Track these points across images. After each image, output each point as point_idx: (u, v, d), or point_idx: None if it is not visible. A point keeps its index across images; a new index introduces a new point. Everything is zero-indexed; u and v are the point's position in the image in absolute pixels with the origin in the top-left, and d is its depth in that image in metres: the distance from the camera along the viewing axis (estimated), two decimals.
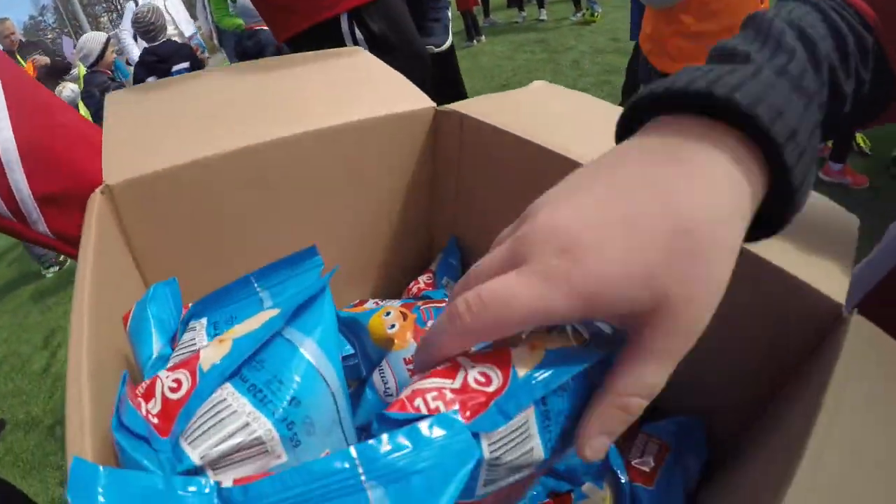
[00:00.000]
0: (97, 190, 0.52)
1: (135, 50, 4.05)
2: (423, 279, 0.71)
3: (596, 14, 7.19)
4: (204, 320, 0.40)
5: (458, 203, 0.74)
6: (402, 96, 0.70)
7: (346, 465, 0.22)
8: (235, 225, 0.61)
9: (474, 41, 7.06)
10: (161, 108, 0.68)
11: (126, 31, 4.38)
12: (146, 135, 0.62)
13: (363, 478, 0.22)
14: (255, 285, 0.42)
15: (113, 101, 0.69)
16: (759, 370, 0.47)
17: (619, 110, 0.70)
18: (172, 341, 0.41)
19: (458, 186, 0.72)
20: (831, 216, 0.51)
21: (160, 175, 0.54)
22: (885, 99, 0.53)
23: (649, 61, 1.73)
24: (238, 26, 3.63)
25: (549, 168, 0.58)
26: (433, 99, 0.70)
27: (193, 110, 0.67)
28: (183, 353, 0.37)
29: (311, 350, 0.32)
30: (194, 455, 0.28)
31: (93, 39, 3.44)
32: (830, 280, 0.42)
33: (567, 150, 0.56)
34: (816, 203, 0.54)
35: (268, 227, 0.63)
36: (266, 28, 3.42)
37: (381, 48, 1.40)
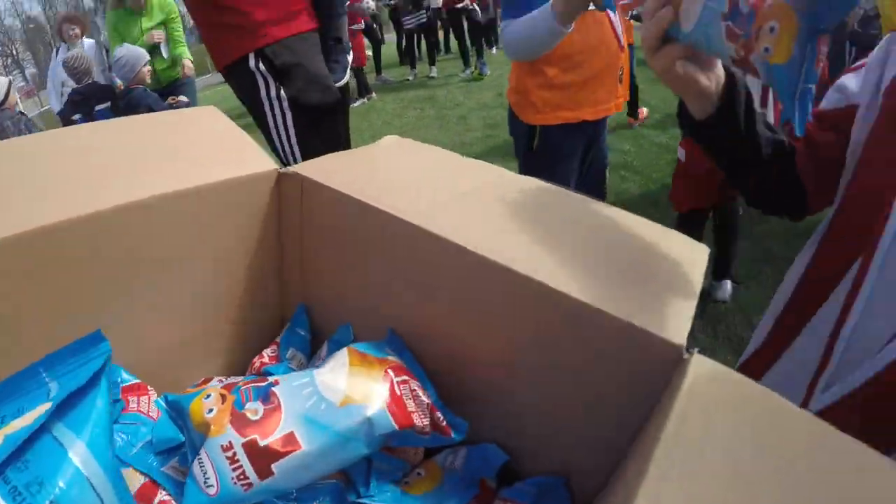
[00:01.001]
0: None
1: (53, 94, 4.34)
2: (267, 353, 0.67)
3: (484, 74, 7.56)
4: None
5: (304, 270, 0.70)
6: (245, 159, 0.65)
7: None
8: (59, 300, 0.53)
9: (364, 99, 7.16)
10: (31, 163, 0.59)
11: (50, 79, 4.56)
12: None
13: None
14: (44, 375, 0.38)
15: None
16: (613, 423, 0.47)
17: (472, 162, 0.72)
18: None
19: (303, 253, 0.69)
20: (680, 252, 0.53)
21: None
22: (786, 199, 0.69)
23: (515, 114, 1.79)
24: None
25: (392, 232, 0.56)
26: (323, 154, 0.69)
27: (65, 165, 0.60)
28: None
29: (80, 453, 0.29)
30: None
31: None
32: (670, 323, 0.43)
33: (408, 212, 0.55)
34: (665, 239, 0.56)
35: (93, 305, 0.54)
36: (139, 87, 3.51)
37: (284, 79, 1.60)
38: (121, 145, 0.65)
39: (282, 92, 1.62)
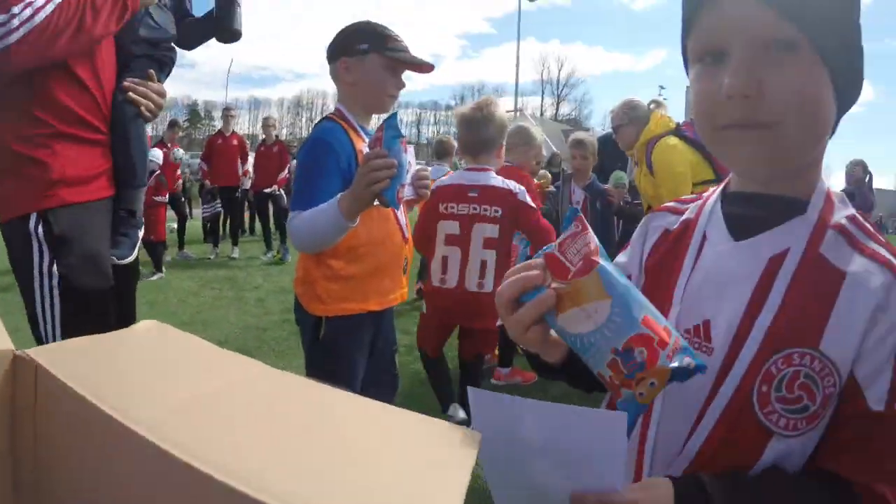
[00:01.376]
0: None
1: None
2: None
3: (285, 260, 7.64)
4: None
5: (37, 469, 0.58)
6: None
7: None
8: None
9: (161, 274, 6.81)
10: None
11: None
12: None
13: None
14: None
15: None
16: None
17: (229, 356, 0.67)
18: None
19: (36, 442, 0.58)
20: (443, 450, 0.51)
21: None
22: None
23: (302, 304, 1.78)
24: None
25: (116, 438, 0.48)
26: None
27: None
28: None
29: None
30: None
31: None
32: None
33: (136, 417, 0.48)
34: (430, 434, 0.53)
35: None
36: None
37: (60, 251, 1.45)
38: None
39: (54, 267, 1.45)
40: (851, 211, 0.72)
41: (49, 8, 1.33)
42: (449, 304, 2.65)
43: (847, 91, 0.68)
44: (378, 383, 1.91)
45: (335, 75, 1.78)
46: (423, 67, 1.81)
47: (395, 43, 1.74)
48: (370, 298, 1.74)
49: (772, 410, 0.64)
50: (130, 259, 1.70)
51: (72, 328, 1.51)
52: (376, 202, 1.47)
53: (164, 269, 6.98)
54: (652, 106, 3.25)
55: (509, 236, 2.62)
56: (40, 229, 1.44)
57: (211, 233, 8.79)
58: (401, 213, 1.81)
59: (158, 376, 0.60)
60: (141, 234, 1.75)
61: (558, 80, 75.89)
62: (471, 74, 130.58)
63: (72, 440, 0.56)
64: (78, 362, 0.57)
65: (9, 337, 0.58)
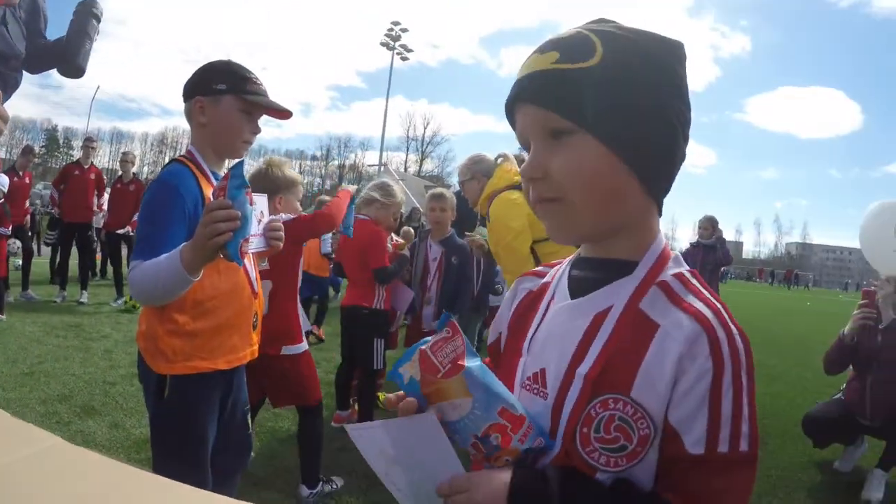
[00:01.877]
0: None
1: None
2: None
3: (139, 307, 7.08)
4: None
5: None
6: None
7: None
8: None
9: (2, 316, 6.09)
10: None
11: None
12: None
13: None
14: None
15: None
16: None
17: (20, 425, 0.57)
18: None
19: None
20: None
21: None
22: None
23: (145, 360, 1.61)
24: None
25: None
26: None
27: None
28: None
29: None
30: None
31: None
32: None
33: None
34: None
35: None
36: None
37: None
38: None
39: None
40: (682, 269, 0.80)
41: None
42: None
43: (652, 160, 0.76)
44: (229, 446, 1.77)
45: (189, 114, 1.67)
46: (282, 113, 1.74)
47: (254, 86, 1.66)
48: (218, 356, 1.62)
49: (593, 449, 0.72)
50: None
51: None
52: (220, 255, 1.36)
53: (4, 311, 6.25)
54: (499, 160, 3.19)
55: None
56: None
57: (58, 273, 8.06)
58: (250, 266, 1.71)
59: None
60: None
61: (423, 138, 78.83)
62: (339, 126, 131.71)
63: None
64: None
65: None
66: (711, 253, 6.49)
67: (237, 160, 1.34)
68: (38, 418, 3.52)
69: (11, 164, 8.13)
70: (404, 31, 43.83)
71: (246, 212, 1.30)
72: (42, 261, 9.55)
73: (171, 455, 1.62)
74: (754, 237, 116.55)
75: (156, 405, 1.62)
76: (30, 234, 8.10)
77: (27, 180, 7.88)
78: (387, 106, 42.64)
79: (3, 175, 6.56)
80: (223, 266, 1.50)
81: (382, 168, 33.08)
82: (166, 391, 1.59)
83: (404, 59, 45.25)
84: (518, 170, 3.07)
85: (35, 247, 8.98)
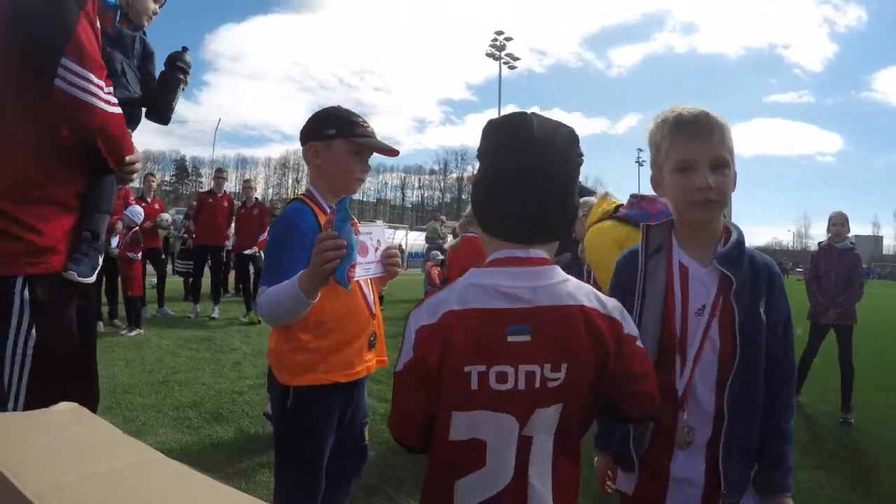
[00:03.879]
0: None
1: None
2: None
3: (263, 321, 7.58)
4: None
5: None
6: None
7: None
8: None
9: (140, 330, 6.82)
10: None
11: None
12: None
13: None
14: None
15: None
16: None
17: (128, 442, 0.74)
18: None
19: None
20: None
21: None
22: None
23: (273, 373, 1.84)
24: None
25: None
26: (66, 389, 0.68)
27: None
28: None
29: None
30: None
31: None
32: None
33: (33, 487, 0.58)
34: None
35: None
36: None
37: (40, 318, 1.54)
38: None
39: (32, 332, 1.53)
40: None
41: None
42: None
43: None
44: (346, 454, 1.95)
45: (305, 157, 1.89)
46: (389, 152, 1.93)
47: (360, 129, 1.85)
48: (336, 370, 1.80)
49: None
50: (90, 279, 1.76)
51: (37, 383, 1.58)
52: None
53: (143, 325, 6.97)
54: (595, 199, 3.52)
55: None
56: (27, 294, 1.53)
57: (192, 290, 8.80)
58: (368, 291, 1.89)
59: (60, 455, 0.71)
60: (101, 259, 1.83)
61: None
62: (454, 139, 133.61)
63: None
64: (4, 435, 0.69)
65: None
66: (846, 258, 5.34)
67: (342, 197, 1.53)
68: (171, 423, 3.91)
69: (140, 192, 8.93)
70: (508, 39, 44.24)
71: (351, 241, 1.48)
72: (175, 279, 10.47)
73: (290, 458, 1.83)
74: None
75: (280, 414, 1.84)
76: (162, 256, 8.78)
77: (156, 206, 8.49)
78: (499, 113, 42.86)
79: (137, 207, 7.28)
80: (341, 291, 1.65)
81: None
82: (289, 401, 1.80)
83: (512, 67, 45.43)
84: (613, 201, 3.40)
85: (169, 268, 9.80)
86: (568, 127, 1.15)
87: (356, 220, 1.52)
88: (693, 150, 1.34)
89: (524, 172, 1.09)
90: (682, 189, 1.36)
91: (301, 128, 1.92)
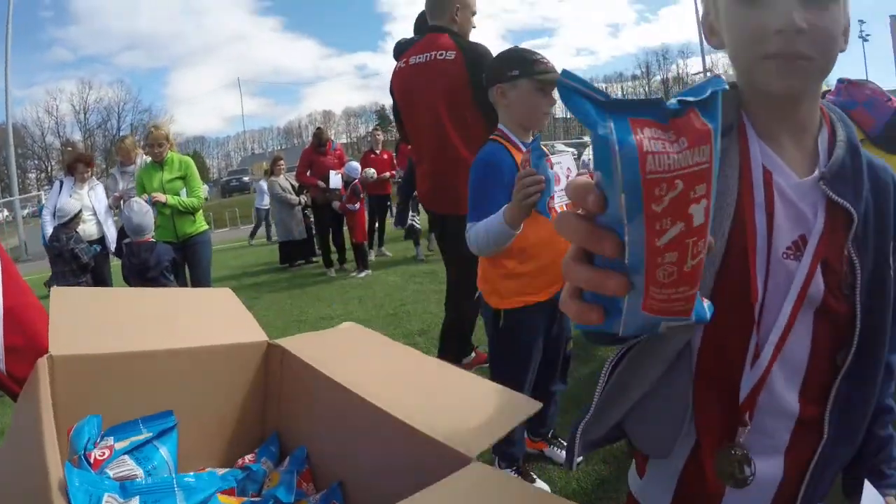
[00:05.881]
0: (44, 356, 0.80)
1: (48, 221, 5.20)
2: (248, 457, 0.99)
3: None
4: (110, 438, 0.78)
5: (280, 410, 1.02)
6: (246, 333, 1.03)
7: None
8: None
9: (364, 272, 7.57)
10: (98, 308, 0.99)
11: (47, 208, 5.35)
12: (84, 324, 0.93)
13: None
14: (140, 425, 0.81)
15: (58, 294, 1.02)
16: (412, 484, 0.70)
17: (408, 351, 0.99)
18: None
19: (280, 399, 1.02)
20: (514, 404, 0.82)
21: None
22: None
23: (484, 299, 2.09)
24: None
25: (333, 395, 0.88)
26: None
27: (121, 315, 0.98)
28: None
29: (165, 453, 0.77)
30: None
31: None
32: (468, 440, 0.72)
33: (349, 383, 0.84)
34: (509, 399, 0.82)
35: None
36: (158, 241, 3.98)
37: None
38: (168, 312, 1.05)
39: None
40: None
41: None
42: None
43: None
44: (552, 363, 2.19)
45: (493, 99, 2.05)
46: None
47: (542, 66, 1.96)
48: (540, 291, 2.00)
49: None
50: None
51: None
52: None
53: (369, 266, 7.72)
54: None
55: None
56: None
57: (411, 232, 9.30)
58: None
59: (358, 359, 1.01)
60: None
61: None
62: (652, 38, 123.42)
63: (301, 390, 0.98)
64: (307, 348, 0.99)
65: (263, 331, 1.02)
66: None
67: (534, 137, 1.66)
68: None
69: (356, 146, 9.45)
70: None
71: (548, 174, 1.63)
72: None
73: (504, 368, 2.10)
74: None
75: (493, 334, 2.10)
76: (388, 202, 9.29)
77: (384, 157, 8.86)
78: (696, 4, 39.28)
79: (354, 163, 7.91)
80: (542, 219, 1.78)
81: (709, 73, 30.47)
82: (501, 322, 2.04)
83: None
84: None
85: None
86: None
87: (549, 154, 1.67)
88: None
89: None
90: (747, 32, 0.76)
91: (484, 73, 2.07)
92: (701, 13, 0.88)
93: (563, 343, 2.23)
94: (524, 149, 1.99)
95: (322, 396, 0.91)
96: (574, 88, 0.38)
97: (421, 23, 3.22)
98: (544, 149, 1.64)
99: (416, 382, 0.90)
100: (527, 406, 0.81)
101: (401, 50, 3.18)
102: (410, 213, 8.36)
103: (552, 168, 1.66)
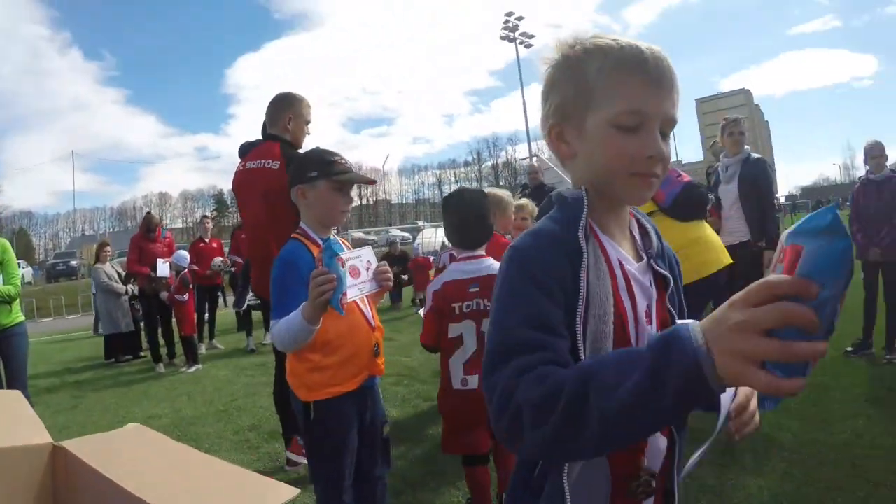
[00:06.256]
0: None
1: None
2: None
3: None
4: None
5: None
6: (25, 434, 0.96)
7: None
8: None
9: (199, 366, 7.28)
10: None
11: None
12: None
13: None
14: None
15: None
16: None
17: (189, 453, 1.00)
18: None
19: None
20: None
21: None
22: None
23: (294, 393, 2.10)
24: None
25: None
26: None
27: None
28: None
29: None
30: None
31: None
32: None
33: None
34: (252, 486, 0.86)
35: None
36: None
37: None
38: None
39: None
40: None
41: None
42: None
43: None
44: (373, 451, 2.22)
45: (295, 199, 2.13)
46: (369, 182, 2.19)
47: (339, 167, 2.09)
48: (347, 380, 2.05)
49: None
50: None
51: None
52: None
53: (199, 360, 7.44)
54: None
55: None
56: None
57: (244, 322, 9.03)
58: (365, 307, 2.13)
59: (142, 461, 0.97)
60: None
61: None
62: (484, 128, 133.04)
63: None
64: (96, 451, 0.94)
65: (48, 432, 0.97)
66: (887, 188, 5.13)
67: (326, 238, 1.77)
68: (232, 445, 4.27)
69: (191, 231, 9.37)
70: (520, 19, 44.21)
71: (339, 273, 1.73)
72: (225, 311, 10.90)
73: (321, 459, 2.10)
74: None
75: (306, 426, 2.10)
76: (218, 294, 9.13)
77: (213, 245, 8.78)
78: (524, 97, 43.47)
79: (183, 252, 7.73)
80: (338, 314, 1.85)
81: (535, 159, 33.09)
82: (311, 413, 2.06)
83: (528, 46, 44.81)
84: None
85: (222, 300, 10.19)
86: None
87: (345, 241, 1.77)
88: (650, 102, 0.92)
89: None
90: (624, 153, 0.93)
91: (288, 173, 2.17)
92: (540, 116, 1.06)
93: (380, 427, 2.27)
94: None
95: (109, 501, 0.89)
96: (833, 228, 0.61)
97: (263, 129, 3.58)
98: (342, 242, 1.75)
99: (190, 482, 0.91)
100: (285, 492, 0.85)
101: (244, 151, 3.55)
102: (249, 296, 8.18)
103: (344, 266, 1.77)
